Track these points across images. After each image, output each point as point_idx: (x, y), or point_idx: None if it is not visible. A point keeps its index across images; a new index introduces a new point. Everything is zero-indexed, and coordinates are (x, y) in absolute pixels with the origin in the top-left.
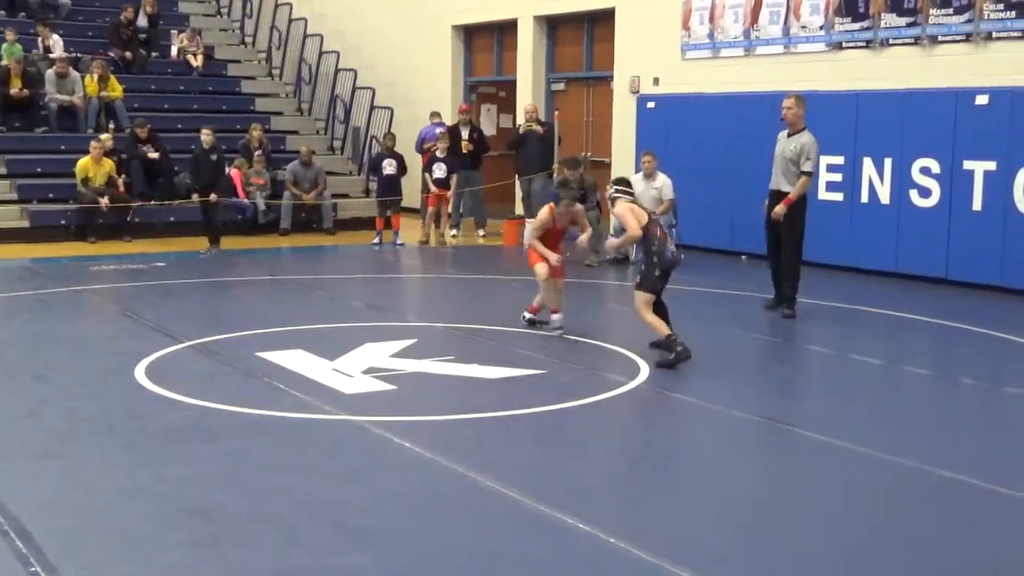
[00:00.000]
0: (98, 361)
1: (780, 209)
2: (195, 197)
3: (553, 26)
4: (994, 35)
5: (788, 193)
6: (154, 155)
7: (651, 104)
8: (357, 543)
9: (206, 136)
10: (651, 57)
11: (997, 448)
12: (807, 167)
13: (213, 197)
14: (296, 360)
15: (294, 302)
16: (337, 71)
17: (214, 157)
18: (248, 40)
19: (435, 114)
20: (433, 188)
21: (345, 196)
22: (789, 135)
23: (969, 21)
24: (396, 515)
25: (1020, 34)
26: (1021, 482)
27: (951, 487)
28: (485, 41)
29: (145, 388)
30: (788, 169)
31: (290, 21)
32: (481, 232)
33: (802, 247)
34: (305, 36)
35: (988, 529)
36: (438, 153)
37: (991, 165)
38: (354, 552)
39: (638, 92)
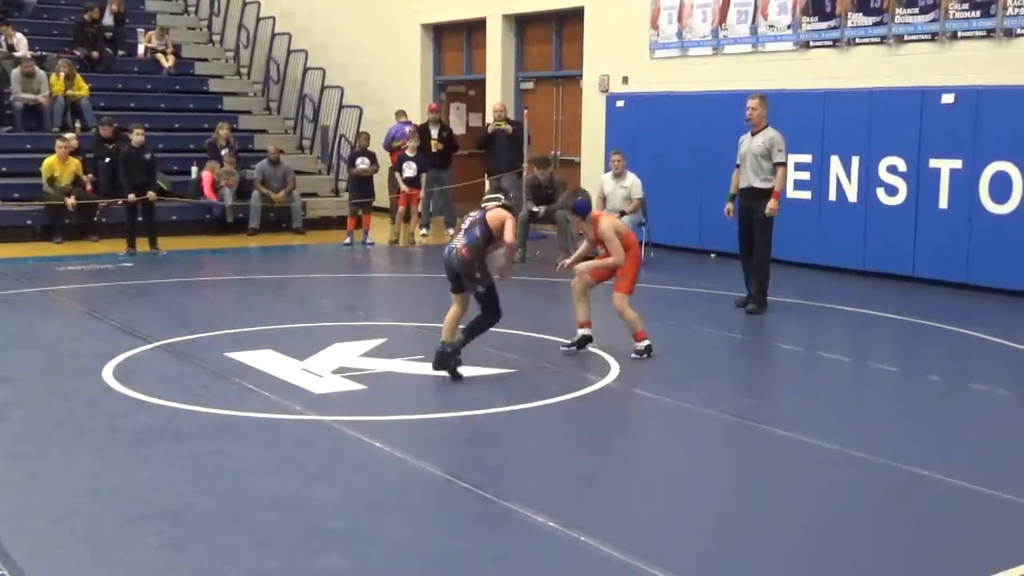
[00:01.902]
0: (65, 362)
1: (773, 205)
2: (131, 197)
3: (522, 25)
4: (959, 34)
5: (762, 189)
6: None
7: (620, 103)
8: (327, 543)
9: (137, 136)
10: (620, 56)
11: (962, 444)
12: (780, 158)
13: (152, 195)
14: (265, 360)
15: (263, 302)
16: (306, 70)
17: (147, 156)
18: (216, 38)
19: (401, 112)
20: (403, 187)
21: (314, 195)
22: (753, 134)
23: (935, 20)
24: (366, 515)
25: (985, 33)
26: (986, 477)
27: (918, 483)
28: (454, 40)
29: (113, 389)
30: (759, 165)
31: (258, 19)
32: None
33: (771, 244)
34: (273, 35)
35: (953, 524)
36: (408, 152)
37: (957, 163)
38: (325, 552)
39: (607, 91)
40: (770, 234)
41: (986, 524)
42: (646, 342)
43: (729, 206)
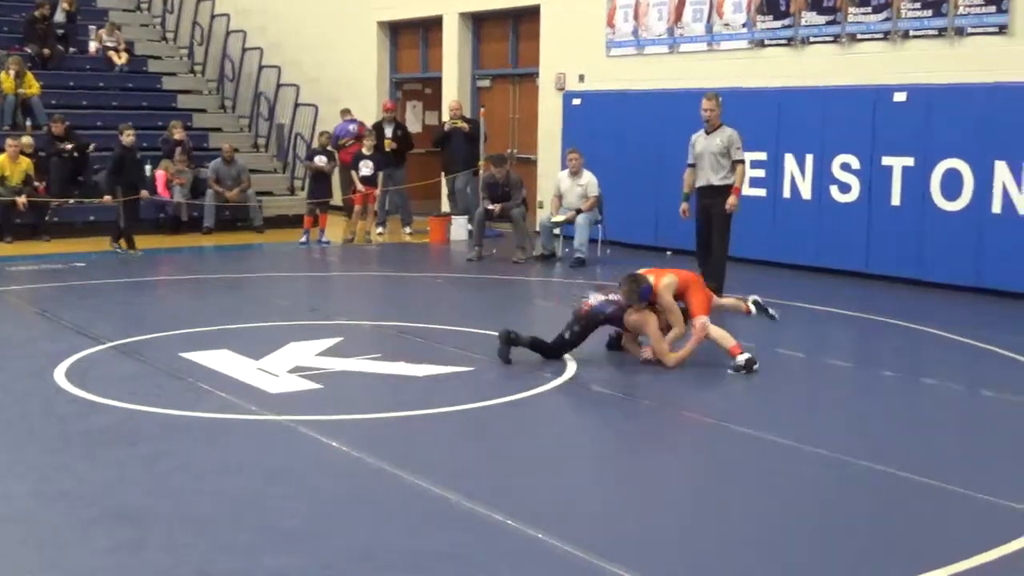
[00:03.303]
0: (16, 363)
1: (734, 201)
2: (119, 196)
3: (479, 23)
4: (911, 33)
5: (721, 186)
6: (69, 146)
7: (576, 101)
8: (284, 543)
9: (128, 136)
10: (576, 54)
11: (915, 438)
12: (739, 156)
13: (145, 194)
14: (221, 360)
15: (218, 301)
16: (261, 67)
17: (138, 156)
18: (169, 36)
19: (346, 111)
20: (360, 186)
21: (269, 194)
22: (708, 132)
23: (887, 20)
24: (323, 514)
25: (936, 32)
26: (937, 471)
27: (871, 477)
28: (411, 38)
29: (65, 391)
30: (718, 163)
31: (212, 17)
32: (408, 230)
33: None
34: (228, 32)
35: (906, 516)
36: (365, 150)
37: (909, 161)
38: (281, 552)
39: (564, 89)
40: (729, 232)
41: (937, 517)
42: (745, 356)
43: (684, 206)
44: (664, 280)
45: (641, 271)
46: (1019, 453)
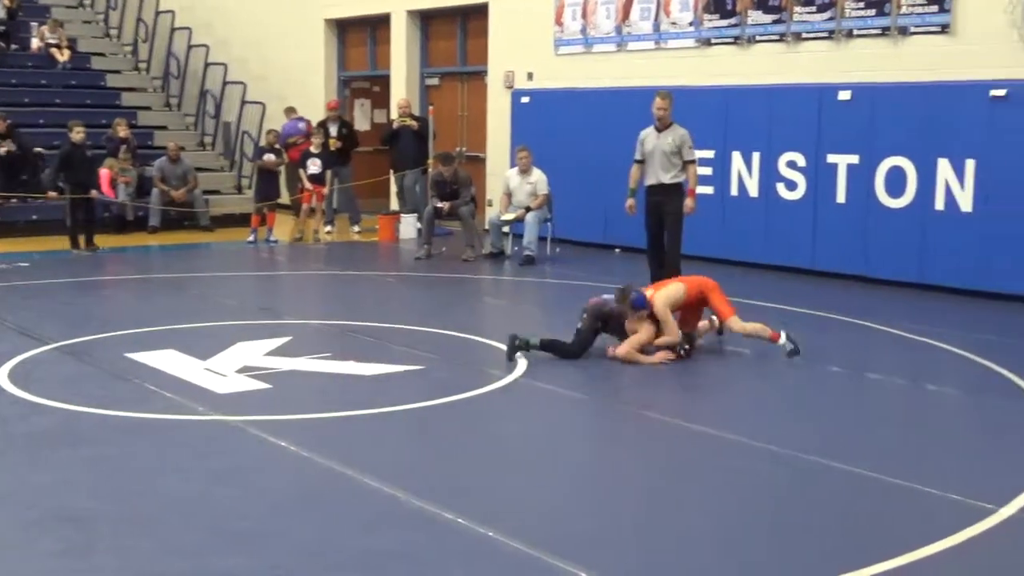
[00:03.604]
0: None
1: (691, 203)
2: (67, 193)
3: (427, 20)
4: (855, 33)
5: (672, 185)
6: (11, 148)
7: (525, 99)
8: (233, 544)
9: (79, 134)
10: (525, 52)
11: (862, 433)
12: (691, 156)
13: (94, 193)
14: (167, 360)
15: (165, 302)
16: (207, 65)
17: (88, 154)
18: (113, 32)
19: (291, 109)
20: (307, 184)
21: (216, 192)
22: (659, 131)
23: (831, 19)
24: (272, 515)
25: (879, 31)
26: (884, 465)
27: (820, 472)
28: (358, 35)
29: (8, 392)
30: (668, 162)
31: (157, 14)
32: (356, 228)
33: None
34: (173, 29)
35: (856, 511)
36: (312, 149)
37: (854, 159)
38: (230, 554)
39: (512, 87)
40: (682, 230)
41: (886, 511)
42: (782, 339)
43: (631, 202)
44: (664, 292)
45: (661, 283)
46: (961, 446)
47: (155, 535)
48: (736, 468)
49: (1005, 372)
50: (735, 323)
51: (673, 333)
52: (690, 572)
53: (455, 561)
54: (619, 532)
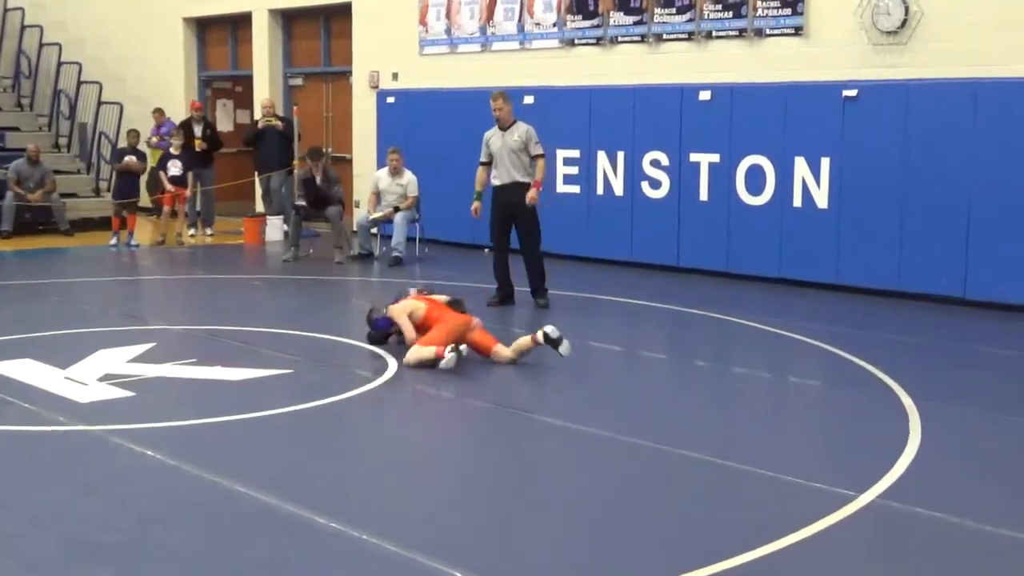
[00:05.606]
0: None
1: (534, 194)
2: None
3: (289, 20)
4: (714, 34)
5: (526, 182)
6: None
7: (391, 99)
8: (99, 559)
9: None
10: (389, 52)
11: (728, 425)
12: (539, 150)
13: None
14: (23, 370)
15: (21, 309)
16: (60, 64)
17: None
18: None
19: (159, 111)
20: (168, 186)
21: (73, 196)
22: (503, 129)
23: (691, 20)
24: (140, 527)
25: (737, 33)
26: (748, 456)
27: (686, 464)
28: (219, 34)
29: None
30: (518, 160)
31: (5, 11)
32: (209, 231)
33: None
34: (23, 27)
35: (720, 501)
36: (173, 150)
37: (715, 157)
38: (96, 568)
39: (377, 87)
40: (538, 228)
41: (750, 500)
42: (540, 336)
43: (476, 205)
44: (400, 305)
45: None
46: (823, 436)
47: (15, 552)
48: (601, 463)
49: (861, 363)
50: (501, 351)
51: (409, 334)
52: (563, 568)
53: (330, 566)
54: (486, 530)
